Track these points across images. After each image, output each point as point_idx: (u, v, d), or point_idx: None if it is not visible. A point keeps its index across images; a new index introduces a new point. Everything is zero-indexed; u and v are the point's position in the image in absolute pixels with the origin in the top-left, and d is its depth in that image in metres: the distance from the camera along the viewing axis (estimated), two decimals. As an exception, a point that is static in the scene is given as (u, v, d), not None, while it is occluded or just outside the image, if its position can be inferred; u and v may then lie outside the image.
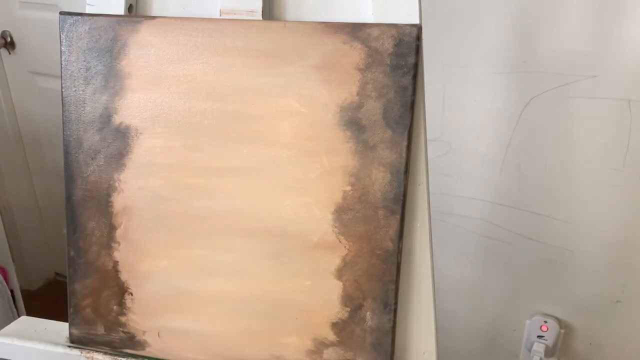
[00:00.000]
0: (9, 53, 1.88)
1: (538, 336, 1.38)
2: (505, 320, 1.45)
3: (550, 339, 1.37)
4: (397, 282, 0.70)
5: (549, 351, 1.37)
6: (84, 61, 0.73)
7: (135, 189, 0.74)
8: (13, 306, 1.49)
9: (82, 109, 0.74)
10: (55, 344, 0.80)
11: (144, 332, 0.78)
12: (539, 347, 1.37)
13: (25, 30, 1.83)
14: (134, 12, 0.75)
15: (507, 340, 1.47)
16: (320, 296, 0.72)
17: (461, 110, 1.28)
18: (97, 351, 0.79)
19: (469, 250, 1.41)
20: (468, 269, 1.43)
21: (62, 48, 0.74)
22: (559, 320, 1.37)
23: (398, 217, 0.68)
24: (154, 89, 0.71)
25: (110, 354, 0.79)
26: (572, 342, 1.39)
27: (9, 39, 1.85)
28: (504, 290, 1.42)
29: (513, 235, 1.34)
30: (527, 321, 1.40)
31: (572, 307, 1.36)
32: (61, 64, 0.74)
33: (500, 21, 1.18)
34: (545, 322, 1.37)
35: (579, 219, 1.26)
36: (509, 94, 1.23)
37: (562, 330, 1.37)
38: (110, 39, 0.72)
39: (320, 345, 0.73)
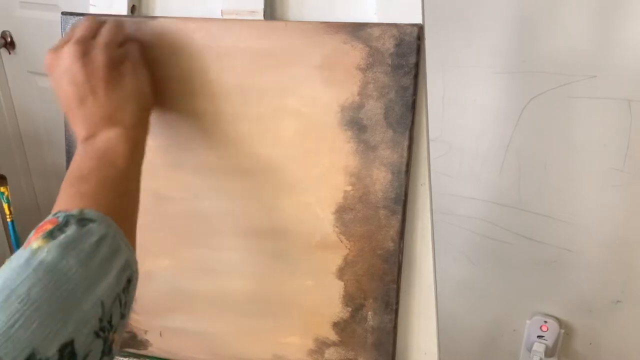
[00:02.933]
0: (9, 53, 1.87)
1: (538, 336, 1.38)
2: (505, 320, 1.46)
3: (550, 339, 1.37)
4: (398, 282, 0.70)
5: (549, 351, 1.37)
6: (86, 61, 0.73)
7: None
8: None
9: (84, 109, 0.74)
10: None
11: (145, 332, 0.78)
12: (539, 347, 1.37)
13: (25, 30, 1.83)
14: (137, 13, 0.75)
15: (507, 340, 1.47)
16: (322, 296, 0.72)
17: (461, 110, 1.28)
18: (98, 351, 0.79)
19: (469, 250, 1.42)
20: (468, 269, 1.43)
21: (64, 48, 0.74)
22: (559, 320, 1.37)
23: (399, 217, 0.68)
24: (155, 89, 0.71)
25: (112, 354, 0.79)
26: (572, 342, 1.39)
27: (9, 39, 1.85)
28: (504, 290, 1.42)
29: (513, 235, 1.34)
30: (527, 321, 1.40)
31: (572, 307, 1.36)
32: (63, 64, 0.74)
33: (500, 21, 1.18)
34: (545, 322, 1.37)
35: (579, 219, 1.26)
36: (509, 94, 1.23)
37: (562, 330, 1.37)
38: (112, 39, 0.72)
39: (322, 345, 0.73)
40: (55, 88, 0.63)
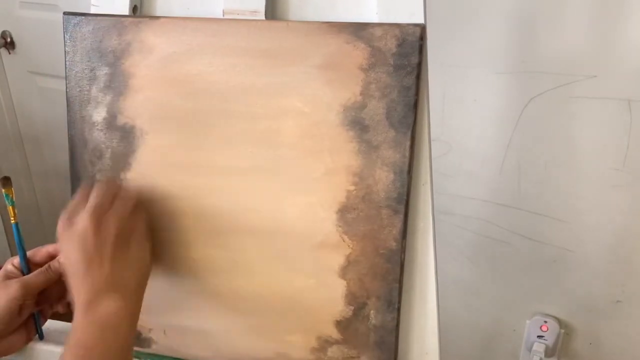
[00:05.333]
0: (9, 53, 1.88)
1: (538, 336, 1.39)
2: (505, 320, 1.46)
3: (550, 339, 1.37)
4: (400, 281, 0.70)
5: (549, 351, 1.38)
6: (88, 61, 0.73)
7: (141, 188, 0.74)
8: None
9: (87, 109, 0.74)
10: (58, 343, 0.80)
11: (150, 330, 0.78)
12: (539, 347, 1.37)
13: (25, 30, 1.83)
14: (139, 13, 0.76)
15: (507, 340, 1.47)
16: (325, 294, 0.72)
17: (461, 110, 1.29)
18: (101, 349, 0.80)
19: (469, 250, 1.42)
20: (468, 269, 1.43)
21: (66, 48, 0.74)
22: (559, 320, 1.37)
23: (401, 216, 0.68)
24: (158, 89, 0.72)
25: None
26: (572, 342, 1.40)
27: (9, 39, 1.85)
28: (504, 290, 1.42)
29: (513, 235, 1.35)
30: (527, 321, 1.41)
31: (572, 307, 1.36)
32: (65, 65, 0.74)
33: (500, 21, 1.19)
34: (545, 322, 1.37)
35: (579, 219, 1.26)
36: (509, 94, 1.23)
37: (562, 330, 1.37)
38: (114, 39, 0.72)
39: (325, 343, 0.73)
40: (64, 251, 0.68)
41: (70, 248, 0.66)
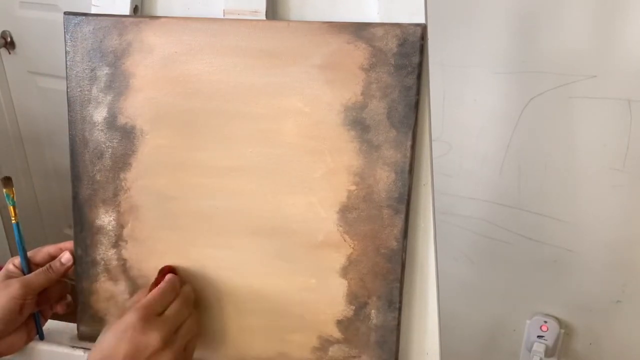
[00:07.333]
0: (9, 53, 1.88)
1: (538, 336, 1.39)
2: (505, 320, 1.46)
3: (550, 339, 1.37)
4: (401, 281, 0.70)
5: (549, 351, 1.38)
6: (89, 61, 0.73)
7: (141, 188, 0.74)
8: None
9: (88, 109, 0.74)
10: (59, 344, 0.80)
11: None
12: (539, 347, 1.37)
13: (25, 30, 1.83)
14: (139, 13, 0.76)
15: (507, 340, 1.47)
16: (326, 294, 0.72)
17: (461, 110, 1.29)
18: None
19: (469, 250, 1.42)
20: (468, 269, 1.44)
21: (67, 48, 0.74)
22: (559, 320, 1.37)
23: (402, 216, 0.68)
24: (158, 89, 0.72)
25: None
26: (572, 342, 1.40)
27: (9, 39, 1.86)
28: (504, 290, 1.42)
29: (513, 235, 1.35)
30: (527, 321, 1.41)
31: (572, 307, 1.36)
32: (66, 65, 0.74)
33: (500, 21, 1.19)
34: (545, 322, 1.37)
35: (579, 219, 1.26)
36: (509, 94, 1.23)
37: (562, 330, 1.37)
38: (114, 39, 0.72)
39: (326, 343, 0.73)
40: (112, 337, 0.64)
41: (123, 343, 0.63)
